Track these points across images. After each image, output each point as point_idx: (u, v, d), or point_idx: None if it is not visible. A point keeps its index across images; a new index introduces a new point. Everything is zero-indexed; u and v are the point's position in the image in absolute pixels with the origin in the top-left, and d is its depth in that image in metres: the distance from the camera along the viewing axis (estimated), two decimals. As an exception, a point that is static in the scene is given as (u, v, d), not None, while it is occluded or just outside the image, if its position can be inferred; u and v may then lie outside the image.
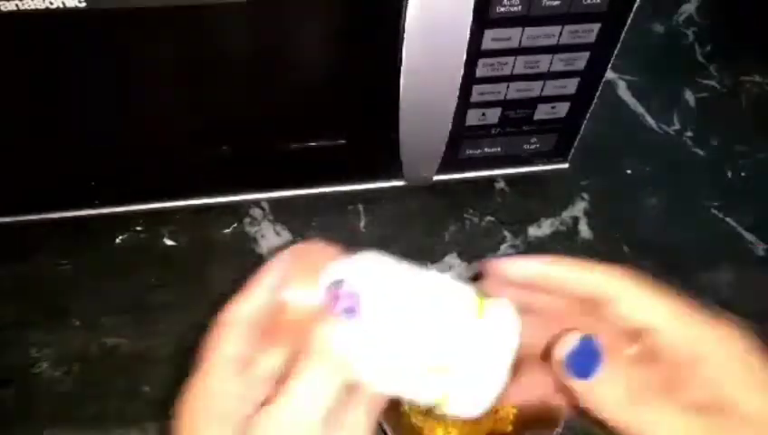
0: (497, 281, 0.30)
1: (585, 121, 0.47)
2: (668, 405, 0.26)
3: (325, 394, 0.26)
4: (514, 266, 0.30)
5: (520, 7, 0.37)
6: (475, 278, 0.30)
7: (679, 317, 0.27)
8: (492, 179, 0.54)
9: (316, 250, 0.29)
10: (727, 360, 0.26)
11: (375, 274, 0.27)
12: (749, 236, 0.53)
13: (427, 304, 0.27)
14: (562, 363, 0.27)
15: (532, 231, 0.53)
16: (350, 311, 0.26)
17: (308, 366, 0.26)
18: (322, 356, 0.26)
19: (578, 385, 0.26)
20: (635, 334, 0.28)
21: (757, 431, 0.25)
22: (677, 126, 0.58)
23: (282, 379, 0.27)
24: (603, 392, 0.26)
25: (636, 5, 0.39)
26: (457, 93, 0.42)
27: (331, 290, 0.26)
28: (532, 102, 0.44)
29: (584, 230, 0.52)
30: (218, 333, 0.27)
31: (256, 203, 0.52)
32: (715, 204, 0.54)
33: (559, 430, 0.37)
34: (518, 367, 0.28)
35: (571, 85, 0.44)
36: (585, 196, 0.54)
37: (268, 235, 0.51)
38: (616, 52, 0.42)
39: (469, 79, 0.41)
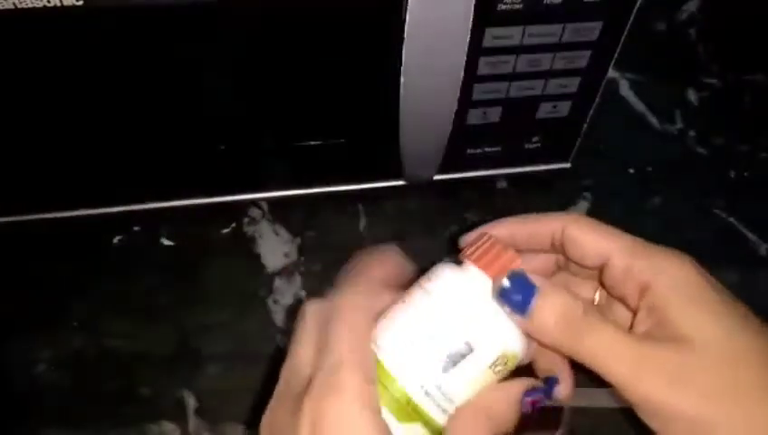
0: (478, 245, 0.30)
1: (587, 120, 0.47)
2: (614, 331, 0.26)
3: None
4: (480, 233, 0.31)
5: (522, 5, 0.37)
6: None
7: (624, 250, 0.28)
8: (493, 179, 0.54)
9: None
10: (672, 287, 0.26)
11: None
12: (752, 236, 0.52)
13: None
14: (500, 301, 0.27)
15: (534, 231, 0.52)
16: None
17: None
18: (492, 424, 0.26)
19: (518, 319, 0.27)
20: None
21: (713, 359, 0.25)
22: (680, 125, 0.58)
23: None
24: (541, 321, 0.26)
25: (638, 4, 0.39)
26: (458, 92, 0.41)
27: (529, 397, 0.28)
28: (534, 101, 0.44)
29: (586, 230, 0.52)
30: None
31: (255, 203, 0.52)
32: (718, 203, 0.54)
33: (561, 431, 0.37)
34: None
35: (572, 84, 0.43)
36: (587, 195, 0.54)
37: (267, 235, 0.51)
38: (618, 50, 0.42)
39: (470, 77, 0.41)
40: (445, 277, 0.28)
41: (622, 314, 0.30)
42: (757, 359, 0.25)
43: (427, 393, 0.26)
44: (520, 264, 0.28)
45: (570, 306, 0.26)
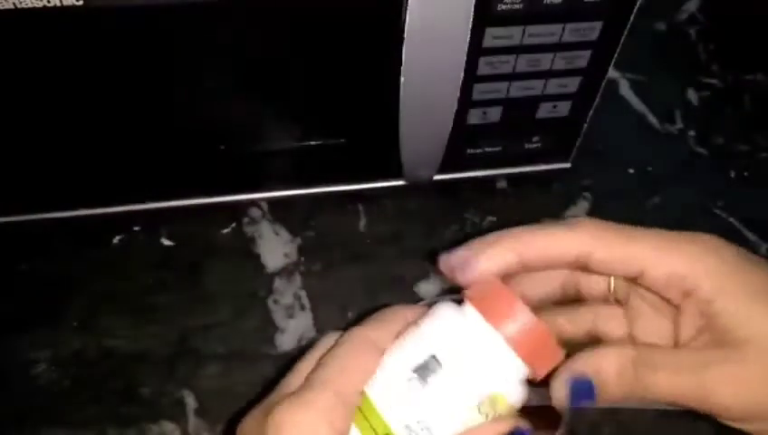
0: (480, 285, 0.29)
1: (587, 121, 0.47)
2: (670, 370, 0.26)
3: None
4: (485, 266, 0.28)
5: (522, 5, 0.37)
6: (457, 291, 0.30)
7: (660, 259, 0.27)
8: (493, 179, 0.54)
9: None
10: (718, 290, 0.26)
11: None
12: (752, 236, 0.52)
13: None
14: (566, 407, 0.27)
15: (534, 231, 0.52)
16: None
17: None
18: None
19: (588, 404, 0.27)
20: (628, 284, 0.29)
21: (761, 357, 0.24)
22: (680, 125, 0.58)
23: None
24: (608, 398, 0.27)
25: (638, 4, 0.39)
26: (458, 92, 0.41)
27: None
28: (534, 101, 0.44)
29: (586, 230, 0.52)
30: None
31: (255, 203, 0.52)
32: (718, 203, 0.54)
33: (561, 431, 0.37)
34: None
35: (572, 84, 0.43)
36: (587, 195, 0.54)
37: (266, 235, 0.51)
38: (618, 50, 0.42)
39: (470, 77, 0.41)
40: (439, 316, 0.28)
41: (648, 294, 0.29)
42: None
43: (407, 427, 0.26)
44: (522, 307, 0.27)
45: (623, 368, 0.26)
